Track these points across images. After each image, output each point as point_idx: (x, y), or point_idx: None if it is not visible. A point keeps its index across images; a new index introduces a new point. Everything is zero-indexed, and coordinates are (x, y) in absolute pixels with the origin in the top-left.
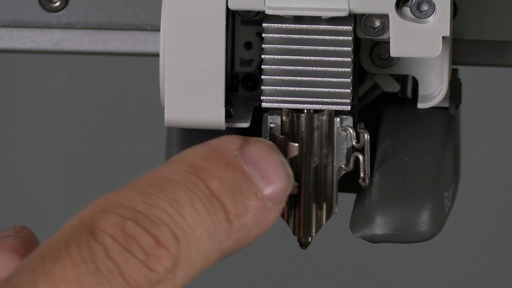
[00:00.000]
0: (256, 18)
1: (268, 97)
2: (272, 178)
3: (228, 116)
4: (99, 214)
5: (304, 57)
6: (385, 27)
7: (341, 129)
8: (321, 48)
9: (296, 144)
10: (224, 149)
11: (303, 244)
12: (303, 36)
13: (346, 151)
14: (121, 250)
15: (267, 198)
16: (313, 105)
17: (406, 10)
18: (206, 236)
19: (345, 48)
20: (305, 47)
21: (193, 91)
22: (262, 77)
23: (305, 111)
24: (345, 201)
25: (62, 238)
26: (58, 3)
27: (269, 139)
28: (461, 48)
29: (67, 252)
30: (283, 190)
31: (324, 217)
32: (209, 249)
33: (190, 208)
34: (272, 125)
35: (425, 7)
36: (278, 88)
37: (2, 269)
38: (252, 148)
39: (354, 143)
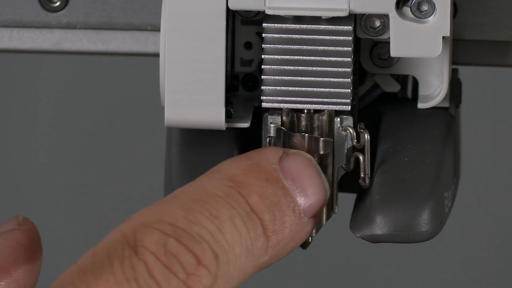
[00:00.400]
0: (256, 18)
1: (268, 97)
2: (309, 192)
3: (228, 116)
4: (141, 229)
5: (304, 57)
6: (385, 27)
7: (341, 129)
8: (321, 48)
9: (330, 139)
10: (264, 162)
11: (303, 244)
12: (303, 36)
13: (346, 151)
14: (163, 269)
15: (304, 212)
16: (313, 105)
17: (406, 10)
18: (244, 253)
19: (345, 48)
20: (305, 47)
21: (193, 91)
22: (262, 77)
23: (305, 111)
24: (345, 201)
25: (104, 252)
26: (58, 3)
27: (279, 138)
28: (461, 48)
29: (110, 269)
30: (320, 204)
31: (324, 217)
32: (246, 265)
33: (231, 225)
34: (272, 125)
35: (425, 7)
36: (278, 88)
37: (10, 263)
38: (291, 162)
39: (354, 143)
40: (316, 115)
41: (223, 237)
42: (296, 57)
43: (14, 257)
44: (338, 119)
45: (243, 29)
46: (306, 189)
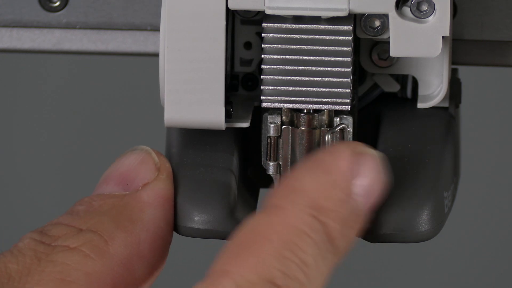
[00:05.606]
0: (256, 18)
1: (268, 97)
2: (375, 198)
3: (228, 116)
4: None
5: (304, 57)
6: (385, 27)
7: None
8: (321, 48)
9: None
10: (341, 179)
11: None
12: (303, 36)
13: None
14: None
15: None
16: (313, 105)
17: (406, 10)
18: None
19: (345, 48)
20: (305, 47)
21: (193, 91)
22: (262, 77)
23: (305, 111)
24: None
25: None
26: (58, 3)
27: (286, 137)
28: (461, 48)
29: None
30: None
31: None
32: None
33: (316, 270)
34: (272, 125)
35: (425, 7)
36: (278, 88)
37: (169, 233)
38: (366, 176)
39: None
40: (315, 115)
41: (310, 284)
42: (295, 57)
43: (170, 225)
44: (338, 119)
45: (243, 29)
46: (375, 200)
